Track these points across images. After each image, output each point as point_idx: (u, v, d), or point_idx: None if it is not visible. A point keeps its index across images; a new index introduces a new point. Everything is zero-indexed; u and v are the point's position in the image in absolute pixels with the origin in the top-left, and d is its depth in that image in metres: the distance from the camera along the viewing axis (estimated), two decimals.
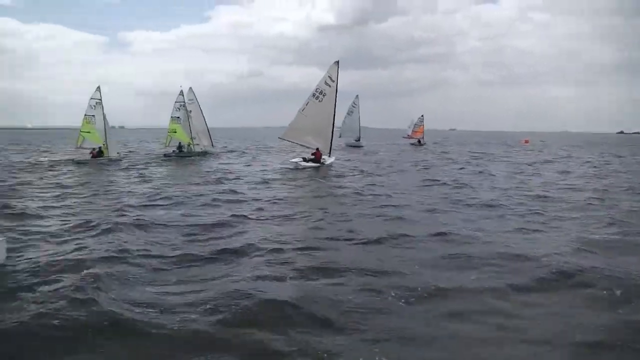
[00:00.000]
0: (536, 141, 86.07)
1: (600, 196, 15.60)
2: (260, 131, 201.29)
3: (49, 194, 15.83)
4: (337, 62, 26.76)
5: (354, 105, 52.80)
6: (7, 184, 18.49)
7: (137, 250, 8.53)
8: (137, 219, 11.17)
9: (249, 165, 28.15)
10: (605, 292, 6.43)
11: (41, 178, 20.93)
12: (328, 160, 26.07)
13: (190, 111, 33.57)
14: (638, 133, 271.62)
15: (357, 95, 53.98)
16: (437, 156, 38.28)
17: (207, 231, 10.15)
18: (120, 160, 30.63)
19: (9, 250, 7.68)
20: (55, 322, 5.28)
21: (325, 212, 12.45)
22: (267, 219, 11.73)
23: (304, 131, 25.94)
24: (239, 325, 5.37)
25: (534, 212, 12.62)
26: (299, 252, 8.48)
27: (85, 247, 8.68)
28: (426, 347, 5.07)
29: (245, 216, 11.84)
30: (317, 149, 25.43)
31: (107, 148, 29.36)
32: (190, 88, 35.05)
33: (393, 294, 6.31)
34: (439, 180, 19.96)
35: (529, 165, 30.12)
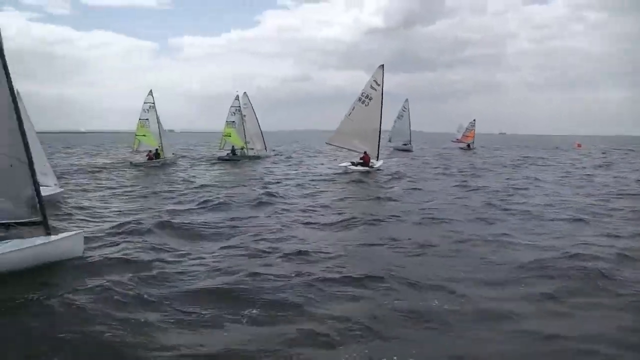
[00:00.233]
0: (589, 145, 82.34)
1: None
2: (306, 134, 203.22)
3: (107, 194, 16.98)
4: (382, 65, 26.85)
5: (404, 109, 52.33)
6: (70, 184, 19.77)
7: (184, 251, 9.04)
8: (183, 222, 11.70)
9: (296, 169, 28.50)
10: None
11: (99, 179, 22.32)
12: (376, 163, 26.07)
13: (245, 115, 34.48)
14: None
15: (406, 99, 53.62)
16: (487, 161, 37.38)
17: (253, 235, 10.34)
18: (176, 161, 32.02)
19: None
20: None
21: (371, 217, 12.48)
22: (313, 224, 11.88)
23: (351, 135, 26.12)
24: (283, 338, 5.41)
25: (583, 219, 12.24)
26: (344, 258, 8.59)
27: (140, 244, 9.33)
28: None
29: (291, 221, 12.09)
30: (365, 152, 25.48)
31: (162, 150, 30.66)
32: (245, 93, 36.05)
33: (436, 302, 6.37)
34: (488, 187, 19.50)
35: (583, 168, 29.02)
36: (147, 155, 30.13)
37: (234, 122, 33.59)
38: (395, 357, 4.94)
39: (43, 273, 7.34)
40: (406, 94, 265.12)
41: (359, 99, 26.53)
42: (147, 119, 30.14)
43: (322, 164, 32.55)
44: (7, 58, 7.64)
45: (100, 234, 10.21)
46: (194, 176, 23.88)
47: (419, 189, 18.86)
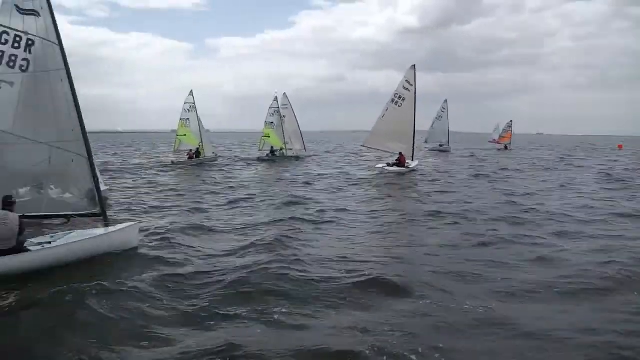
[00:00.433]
0: (632, 146, 79.03)
1: None
2: (341, 134, 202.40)
3: (149, 192, 17.94)
4: (414, 66, 26.89)
5: (443, 109, 51.60)
6: (115, 182, 20.82)
7: (216, 249, 9.42)
8: (219, 220, 12.25)
9: (333, 170, 28.56)
10: None
11: (143, 177, 23.39)
12: (412, 164, 26.06)
13: (284, 116, 34.74)
14: None
15: (445, 100, 52.81)
16: (525, 163, 36.36)
17: (288, 238, 10.31)
18: (216, 160, 32.92)
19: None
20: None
21: (405, 219, 12.62)
22: (346, 226, 11.96)
23: (385, 137, 26.11)
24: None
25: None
26: (376, 263, 8.53)
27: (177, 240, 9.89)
28: None
29: (326, 222, 12.25)
30: (401, 153, 25.40)
31: (203, 149, 31.51)
32: (285, 94, 36.34)
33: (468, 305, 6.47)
34: (527, 190, 18.92)
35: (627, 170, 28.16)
36: (187, 155, 30.99)
37: (272, 122, 33.76)
38: None
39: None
40: (443, 93, 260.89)
41: (392, 100, 26.56)
42: (187, 119, 30.94)
43: (358, 165, 32.67)
44: None
45: (147, 228, 10.77)
46: (233, 176, 24.53)
47: (454, 192, 18.70)
